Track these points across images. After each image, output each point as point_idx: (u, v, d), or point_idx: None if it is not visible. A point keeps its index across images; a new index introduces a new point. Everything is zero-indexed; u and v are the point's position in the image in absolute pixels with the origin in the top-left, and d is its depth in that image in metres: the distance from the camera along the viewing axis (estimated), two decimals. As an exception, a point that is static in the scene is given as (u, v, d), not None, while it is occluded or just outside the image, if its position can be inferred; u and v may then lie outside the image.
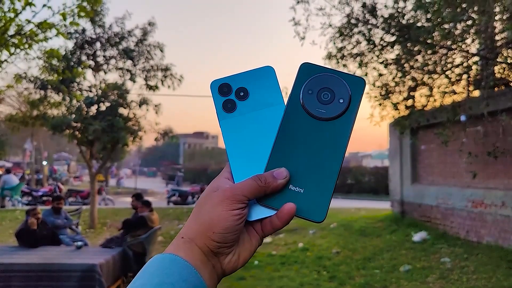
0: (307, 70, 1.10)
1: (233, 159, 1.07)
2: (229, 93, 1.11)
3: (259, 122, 1.09)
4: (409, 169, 19.39)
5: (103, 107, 18.87)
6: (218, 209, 0.99)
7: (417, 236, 15.54)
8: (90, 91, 19.59)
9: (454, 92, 13.41)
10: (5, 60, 10.53)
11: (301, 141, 1.05)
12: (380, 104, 14.41)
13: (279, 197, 1.03)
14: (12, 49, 10.21)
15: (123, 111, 19.15)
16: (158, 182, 68.96)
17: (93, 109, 18.93)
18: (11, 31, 9.99)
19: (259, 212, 1.04)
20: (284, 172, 1.03)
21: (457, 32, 12.05)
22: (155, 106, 19.70)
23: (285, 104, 1.09)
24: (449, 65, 13.00)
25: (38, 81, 18.70)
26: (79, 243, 9.88)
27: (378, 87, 14.25)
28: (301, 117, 1.07)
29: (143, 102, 19.32)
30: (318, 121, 1.06)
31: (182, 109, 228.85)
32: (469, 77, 13.03)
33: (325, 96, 1.07)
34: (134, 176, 62.11)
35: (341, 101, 1.06)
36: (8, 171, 31.16)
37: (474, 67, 12.70)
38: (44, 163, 49.87)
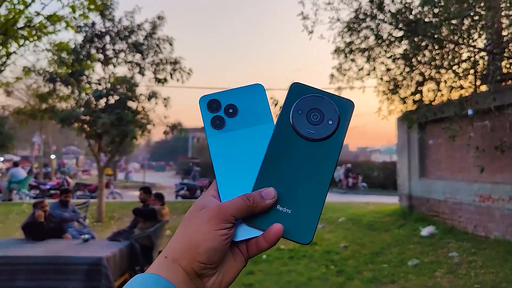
0: (297, 90, 1.10)
1: (220, 177, 1.06)
2: (218, 110, 1.10)
3: (248, 140, 1.08)
4: (417, 164, 19.38)
5: (112, 101, 18.85)
6: (204, 228, 0.97)
7: (425, 231, 15.54)
8: (99, 84, 19.64)
9: (461, 87, 13.40)
10: (14, 52, 10.57)
11: (289, 161, 1.05)
12: (388, 99, 14.42)
13: (266, 217, 1.02)
14: (21, 41, 10.25)
15: (131, 104, 19.13)
16: (167, 176, 68.78)
17: (102, 102, 18.96)
18: (21, 23, 10.03)
19: (245, 232, 1.03)
20: (273, 192, 1.02)
21: (464, 27, 12.05)
22: (164, 99, 19.72)
23: (275, 123, 1.08)
24: (456, 60, 12.98)
25: (46, 74, 18.75)
26: (86, 236, 9.90)
27: (386, 81, 14.26)
28: (290, 136, 1.07)
29: (152, 95, 19.32)
30: (307, 141, 1.07)
31: (191, 103, 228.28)
32: (476, 72, 13.01)
33: (315, 117, 1.08)
34: (142, 170, 62.00)
35: (330, 122, 1.07)
36: (15, 164, 31.18)
37: (481, 62, 12.68)
38: (53, 156, 49.99)
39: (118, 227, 15.89)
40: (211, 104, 1.10)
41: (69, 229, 11.32)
